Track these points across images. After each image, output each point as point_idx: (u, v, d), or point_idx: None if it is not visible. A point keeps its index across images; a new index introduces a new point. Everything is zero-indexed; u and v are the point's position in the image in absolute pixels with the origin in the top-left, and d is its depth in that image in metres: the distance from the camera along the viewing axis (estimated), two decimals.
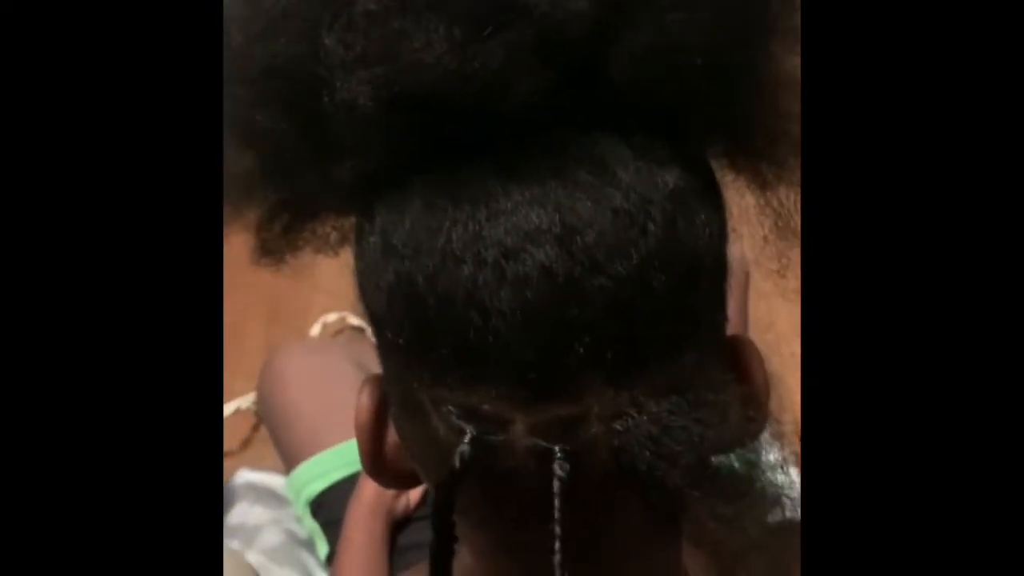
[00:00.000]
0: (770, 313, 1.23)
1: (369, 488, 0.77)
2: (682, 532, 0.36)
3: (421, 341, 0.30)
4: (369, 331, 1.16)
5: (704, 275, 0.31)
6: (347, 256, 1.24)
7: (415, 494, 0.79)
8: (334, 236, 0.36)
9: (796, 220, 0.34)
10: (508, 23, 0.28)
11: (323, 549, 0.84)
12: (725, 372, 0.32)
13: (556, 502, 0.29)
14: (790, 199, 0.34)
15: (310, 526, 0.85)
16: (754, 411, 0.32)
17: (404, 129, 0.30)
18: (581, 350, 0.29)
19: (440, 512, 0.31)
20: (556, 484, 0.29)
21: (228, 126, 0.34)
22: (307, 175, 0.32)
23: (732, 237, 0.82)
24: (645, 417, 0.29)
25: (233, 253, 1.29)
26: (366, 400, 0.35)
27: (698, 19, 0.29)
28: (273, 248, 0.36)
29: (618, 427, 0.29)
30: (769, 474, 0.40)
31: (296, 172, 0.32)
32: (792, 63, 0.32)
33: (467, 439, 0.29)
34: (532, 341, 0.29)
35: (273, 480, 0.97)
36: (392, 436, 0.36)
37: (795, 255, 0.35)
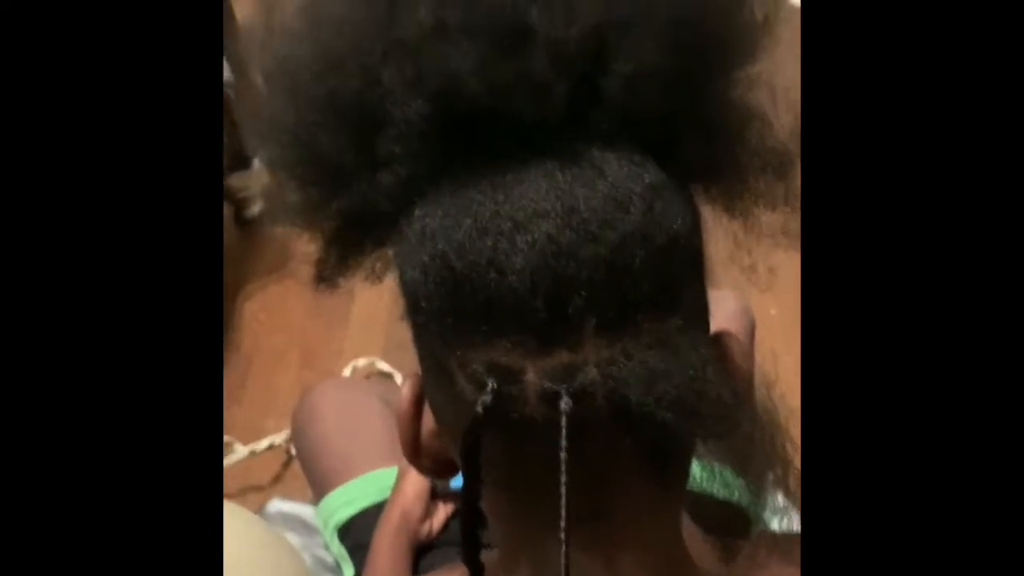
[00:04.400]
0: (775, 369, 1.27)
1: (395, 512, 0.82)
2: (680, 500, 0.42)
3: (451, 302, 0.37)
4: (397, 376, 1.23)
5: (679, 253, 0.38)
6: (376, 307, 1.33)
7: (438, 521, 0.84)
8: (379, 265, 0.43)
9: (760, 223, 0.41)
10: (524, 46, 0.36)
11: (349, 572, 0.88)
12: (708, 345, 0.39)
13: (563, 433, 0.35)
14: (752, 206, 0.41)
15: (337, 551, 0.90)
16: (735, 394, 0.38)
17: (443, 136, 0.37)
18: (579, 303, 0.35)
19: (467, 455, 0.36)
20: (563, 419, 0.35)
21: (284, 161, 0.41)
22: (361, 184, 0.39)
23: (738, 294, 0.88)
24: (635, 364, 0.36)
25: (269, 301, 1.39)
26: (406, 391, 0.42)
27: (666, 51, 0.37)
28: (330, 274, 0.43)
29: (612, 372, 0.35)
30: (769, 515, 0.45)
31: (352, 182, 0.39)
32: (759, 98, 0.39)
33: (489, 389, 0.35)
34: (539, 294, 0.35)
35: (303, 510, 1.02)
36: (427, 424, 0.42)
37: (760, 253, 0.42)
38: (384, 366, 1.32)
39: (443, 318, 0.37)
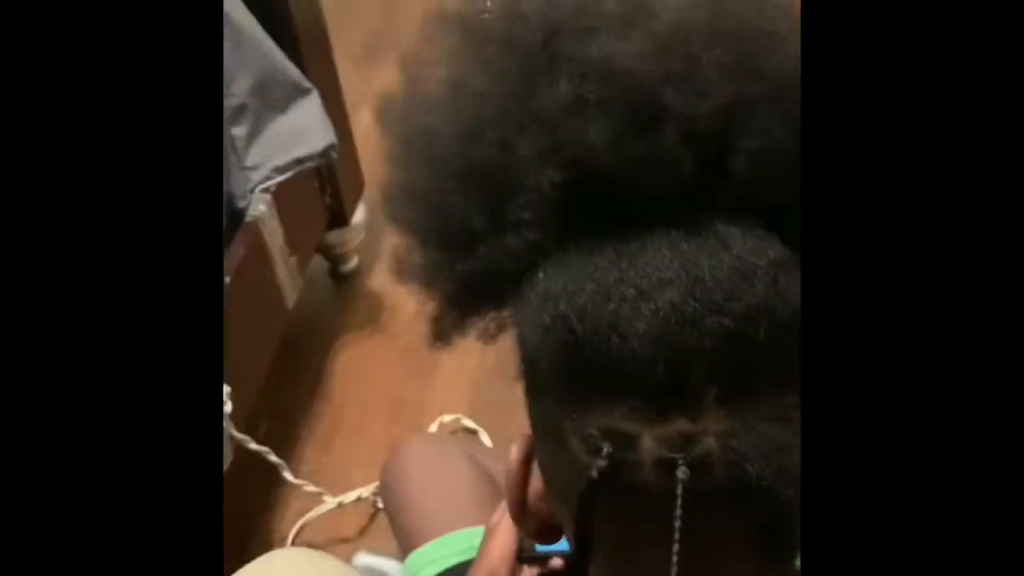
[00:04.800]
0: None
1: (482, 573, 0.82)
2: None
3: (570, 364, 0.37)
4: (482, 433, 1.24)
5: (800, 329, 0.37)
6: (463, 365, 1.35)
7: None
8: (493, 326, 0.44)
9: None
10: (657, 122, 0.37)
11: None
12: None
13: (678, 503, 0.35)
14: None
15: None
16: None
17: (571, 204, 0.39)
18: (700, 372, 0.36)
19: (581, 521, 0.37)
20: (679, 487, 0.35)
21: (416, 224, 0.43)
22: (489, 248, 0.40)
23: None
24: (755, 437, 0.36)
25: (361, 354, 1.43)
26: (516, 452, 0.43)
27: (792, 131, 0.38)
28: (446, 332, 0.45)
29: (731, 444, 0.36)
30: None
31: (479, 245, 0.41)
32: None
33: (604, 454, 0.36)
34: (660, 361, 0.36)
35: (389, 564, 1.03)
36: (535, 486, 0.43)
37: None
38: (469, 423, 1.33)
39: (560, 380, 0.38)
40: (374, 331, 1.52)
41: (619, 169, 0.37)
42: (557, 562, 0.61)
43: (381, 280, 1.57)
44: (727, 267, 0.37)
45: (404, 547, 0.96)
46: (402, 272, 0.44)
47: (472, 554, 0.86)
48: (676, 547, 0.35)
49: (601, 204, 0.39)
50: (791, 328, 0.37)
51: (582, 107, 0.38)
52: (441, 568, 0.90)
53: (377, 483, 1.20)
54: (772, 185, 0.39)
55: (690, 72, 0.38)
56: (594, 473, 0.36)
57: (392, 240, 0.45)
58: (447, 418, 1.35)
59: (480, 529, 0.88)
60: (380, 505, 1.23)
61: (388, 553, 1.08)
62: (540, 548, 0.84)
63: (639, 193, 0.38)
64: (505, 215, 0.40)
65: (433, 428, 1.34)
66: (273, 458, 1.16)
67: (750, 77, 0.38)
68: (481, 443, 1.28)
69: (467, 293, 0.43)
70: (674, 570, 0.35)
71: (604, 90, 0.37)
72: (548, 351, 0.38)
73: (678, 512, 0.35)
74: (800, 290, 0.37)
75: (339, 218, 1.49)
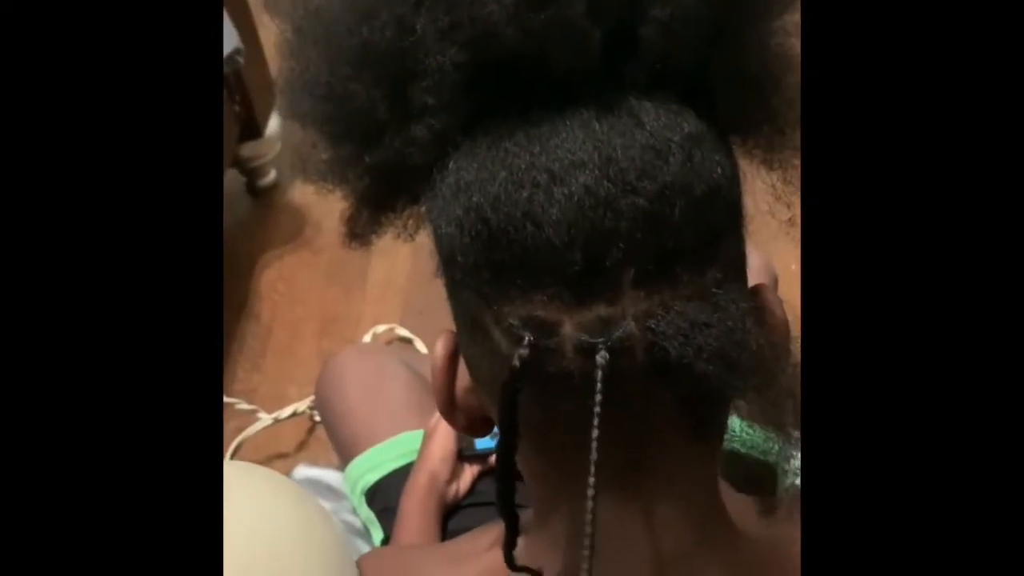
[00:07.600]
0: (796, 324, 1.27)
1: (423, 475, 0.82)
2: (717, 455, 0.41)
3: (487, 256, 0.36)
4: (417, 341, 1.23)
5: (718, 204, 0.37)
6: (393, 273, 1.32)
7: (464, 482, 0.84)
8: (411, 223, 0.42)
9: (799, 175, 0.40)
10: None
11: (378, 535, 0.89)
12: (746, 297, 0.38)
13: (598, 387, 0.34)
14: (791, 158, 0.40)
15: (365, 515, 0.91)
16: (774, 346, 0.38)
17: (477, 87, 0.37)
18: (617, 255, 0.35)
19: (505, 410, 0.36)
20: (599, 373, 0.34)
21: (316, 116, 0.40)
22: (394, 138, 0.38)
23: (761, 252, 0.85)
24: (673, 316, 0.35)
25: (286, 270, 1.39)
26: (440, 348, 0.42)
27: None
28: (361, 231, 0.43)
29: (651, 325, 0.35)
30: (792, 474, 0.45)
31: (385, 136, 0.38)
32: (797, 47, 0.38)
33: (525, 343, 0.35)
34: (576, 247, 0.35)
35: (329, 475, 1.03)
36: (462, 380, 0.42)
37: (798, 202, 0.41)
38: (403, 332, 1.32)
39: (478, 272, 0.37)
40: (298, 246, 1.49)
41: (524, 46, 0.35)
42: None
43: (302, 193, 1.52)
44: (640, 145, 0.36)
45: (344, 457, 0.95)
46: (308, 170, 0.42)
47: (412, 457, 0.86)
48: (595, 432, 0.34)
49: (509, 86, 0.37)
50: (708, 204, 0.36)
51: None
52: (382, 473, 0.90)
53: (312, 397, 1.19)
54: (686, 55, 0.37)
55: None
56: (516, 363, 0.35)
57: (296, 137, 0.42)
58: (380, 328, 1.33)
59: (418, 433, 0.87)
60: (317, 419, 1.22)
61: (328, 465, 1.07)
62: (480, 445, 0.85)
63: (548, 72, 0.36)
64: (409, 102, 0.37)
65: (367, 339, 1.32)
66: None
67: None
68: (416, 350, 1.27)
69: (378, 188, 0.41)
70: (593, 455, 0.34)
71: None
72: (464, 243, 0.37)
73: (597, 397, 0.34)
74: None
75: (252, 130, 1.43)
